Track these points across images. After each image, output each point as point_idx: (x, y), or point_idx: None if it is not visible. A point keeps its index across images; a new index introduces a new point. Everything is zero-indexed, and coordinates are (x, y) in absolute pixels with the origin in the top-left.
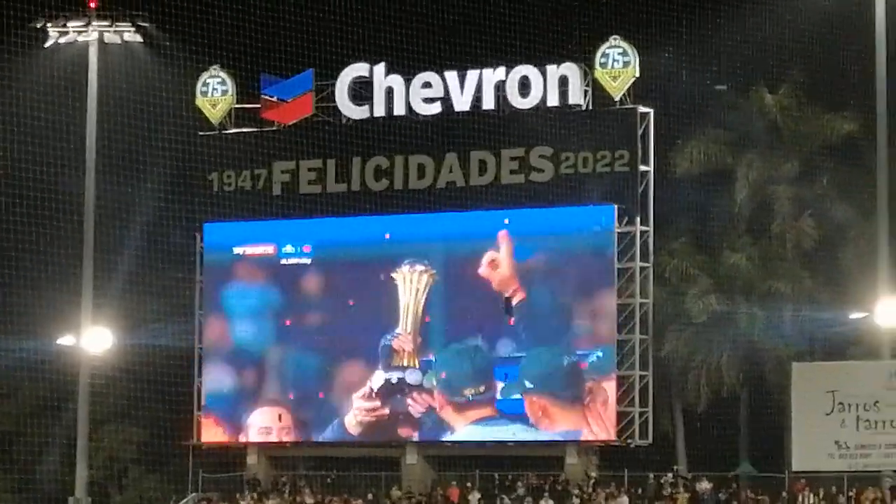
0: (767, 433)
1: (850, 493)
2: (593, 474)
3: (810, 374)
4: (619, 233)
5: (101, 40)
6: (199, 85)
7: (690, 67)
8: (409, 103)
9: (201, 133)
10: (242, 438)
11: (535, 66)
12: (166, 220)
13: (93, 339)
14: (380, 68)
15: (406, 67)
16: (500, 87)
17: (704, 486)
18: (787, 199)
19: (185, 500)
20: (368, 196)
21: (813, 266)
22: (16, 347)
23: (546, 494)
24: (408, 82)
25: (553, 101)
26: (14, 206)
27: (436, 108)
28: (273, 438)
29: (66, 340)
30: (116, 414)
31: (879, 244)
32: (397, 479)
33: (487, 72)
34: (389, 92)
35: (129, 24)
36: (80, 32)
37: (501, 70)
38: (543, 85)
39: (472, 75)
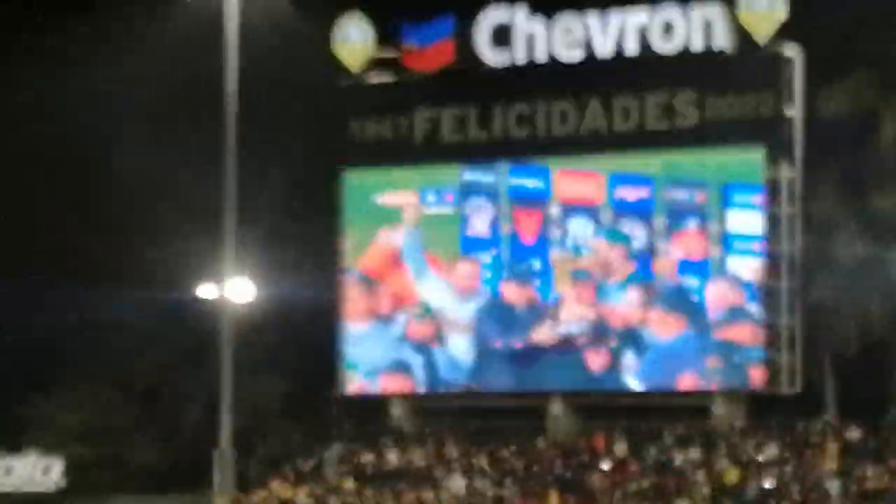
0: None
1: None
2: (737, 424)
3: None
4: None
5: None
6: (337, 32)
7: (840, 6)
8: (550, 49)
9: (340, 81)
10: (386, 389)
11: (679, 8)
12: (307, 169)
13: (236, 289)
14: (521, 13)
15: (547, 9)
16: (643, 31)
17: (854, 434)
18: None
19: (329, 452)
20: (510, 143)
21: None
22: (157, 298)
23: (693, 444)
24: (549, 28)
25: (697, 44)
26: (154, 155)
27: (578, 54)
28: (417, 389)
29: (207, 291)
30: (260, 365)
31: None
32: (542, 430)
33: (630, 15)
34: (531, 38)
35: None
36: None
37: (644, 14)
38: (688, 28)
39: (614, 20)
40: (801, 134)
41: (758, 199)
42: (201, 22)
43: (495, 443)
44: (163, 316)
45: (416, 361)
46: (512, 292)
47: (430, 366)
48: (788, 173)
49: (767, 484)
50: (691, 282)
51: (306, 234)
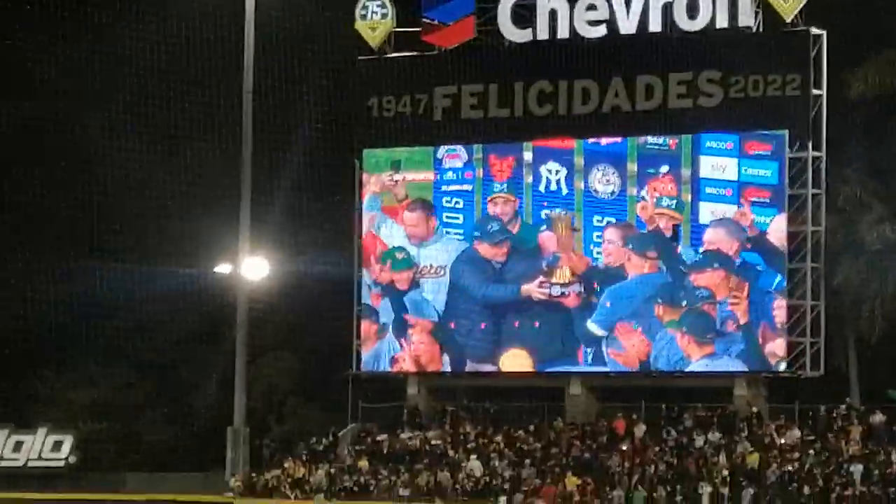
0: None
1: None
2: (756, 409)
3: None
4: (790, 158)
5: None
6: (358, 8)
7: None
8: (573, 26)
9: (360, 57)
10: (401, 368)
11: None
12: (325, 146)
13: (251, 267)
14: None
15: None
16: (667, 8)
17: (878, 418)
18: None
19: (344, 431)
20: (532, 121)
21: None
22: (173, 275)
23: (714, 426)
24: (572, 4)
25: (722, 22)
26: (172, 134)
27: (601, 31)
28: (433, 368)
29: (223, 269)
30: (275, 343)
31: None
32: (560, 410)
33: None
34: (553, 14)
35: None
36: None
37: None
38: (712, 5)
39: None
40: (827, 115)
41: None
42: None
43: (513, 424)
44: (178, 294)
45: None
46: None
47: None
48: (814, 153)
49: (789, 467)
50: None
51: (323, 212)
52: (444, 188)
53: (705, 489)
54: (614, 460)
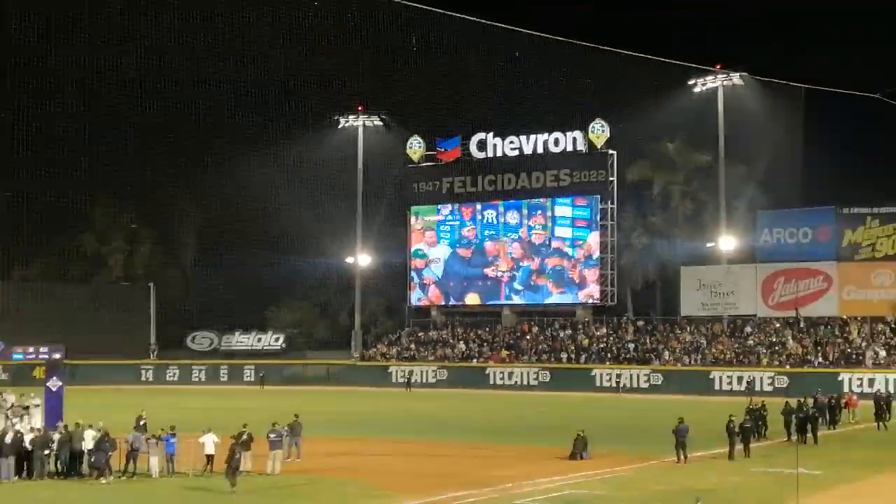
0: None
1: None
2: (586, 319)
3: None
4: (600, 208)
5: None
6: (407, 144)
7: (636, 127)
8: (503, 150)
9: (409, 165)
10: (427, 303)
11: (561, 132)
12: (395, 205)
13: (361, 259)
14: (490, 135)
15: (503, 133)
16: (546, 141)
17: (640, 323)
18: None
19: (403, 331)
20: (483, 192)
21: None
22: (311, 263)
23: (568, 326)
24: (503, 139)
25: (570, 147)
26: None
27: (516, 152)
28: (439, 303)
29: (349, 259)
30: (374, 293)
31: None
32: (498, 321)
33: (540, 136)
34: (494, 145)
35: (377, 116)
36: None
37: (547, 134)
38: (566, 141)
39: (532, 137)
40: (616, 189)
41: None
42: (343, 140)
43: (478, 328)
44: (329, 269)
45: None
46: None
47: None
48: (610, 206)
49: (602, 344)
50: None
51: (395, 234)
52: (442, 223)
53: (563, 356)
54: (524, 343)
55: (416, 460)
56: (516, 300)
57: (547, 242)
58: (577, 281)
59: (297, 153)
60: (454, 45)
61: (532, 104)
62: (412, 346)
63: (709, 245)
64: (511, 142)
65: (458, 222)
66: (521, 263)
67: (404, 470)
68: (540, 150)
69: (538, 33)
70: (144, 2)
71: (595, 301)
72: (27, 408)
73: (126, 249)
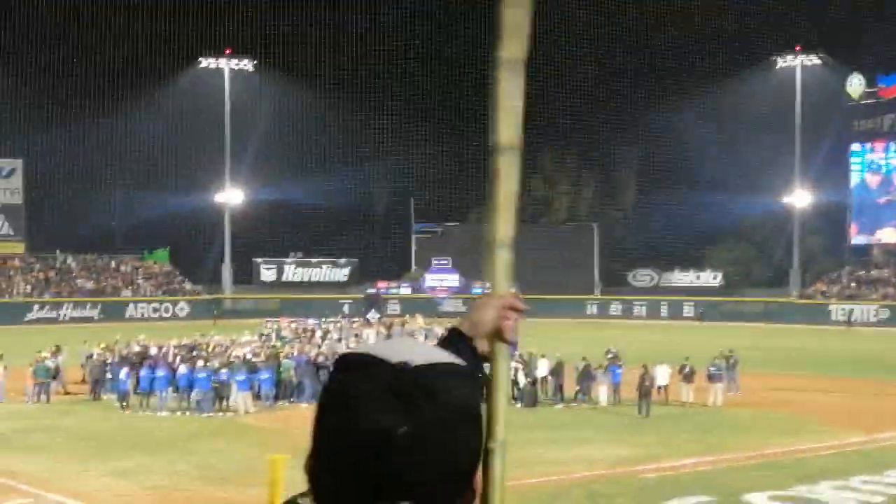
0: None
1: None
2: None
3: None
4: None
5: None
6: (847, 82)
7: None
8: None
9: (849, 103)
10: None
11: None
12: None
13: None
14: None
15: None
16: None
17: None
18: None
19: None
20: None
21: None
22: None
23: None
24: None
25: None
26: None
27: None
28: None
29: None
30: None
31: None
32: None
33: None
34: None
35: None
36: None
37: None
38: None
39: None
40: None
41: None
42: (780, 81)
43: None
44: (766, 209)
45: None
46: None
47: None
48: None
49: None
50: None
51: (832, 173)
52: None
53: None
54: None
55: (850, 398)
56: None
57: None
58: None
59: (729, 96)
60: None
61: None
62: (852, 284)
63: None
64: None
65: None
66: None
67: (837, 407)
68: None
69: None
70: None
71: None
72: None
73: (571, 192)
